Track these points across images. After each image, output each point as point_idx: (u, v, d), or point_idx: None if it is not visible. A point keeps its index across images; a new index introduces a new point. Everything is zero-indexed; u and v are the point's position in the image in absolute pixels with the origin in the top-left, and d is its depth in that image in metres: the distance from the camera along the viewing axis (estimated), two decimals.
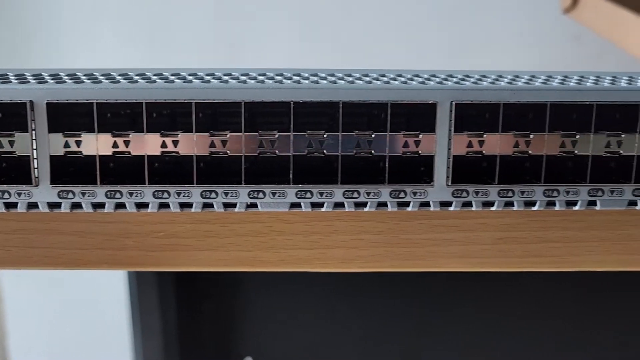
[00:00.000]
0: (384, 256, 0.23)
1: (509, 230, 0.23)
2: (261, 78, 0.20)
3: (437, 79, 0.21)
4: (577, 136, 0.20)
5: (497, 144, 0.20)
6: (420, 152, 0.20)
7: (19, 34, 0.92)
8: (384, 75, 0.21)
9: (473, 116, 0.20)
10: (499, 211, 0.22)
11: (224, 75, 0.21)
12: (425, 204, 0.21)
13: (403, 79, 0.21)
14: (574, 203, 0.21)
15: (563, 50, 0.92)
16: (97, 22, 0.92)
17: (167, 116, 0.20)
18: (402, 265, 0.23)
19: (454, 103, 0.20)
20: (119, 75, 0.20)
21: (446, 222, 0.23)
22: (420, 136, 0.20)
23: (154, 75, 0.20)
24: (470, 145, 0.20)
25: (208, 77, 0.20)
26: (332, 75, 0.21)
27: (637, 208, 0.21)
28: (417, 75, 0.21)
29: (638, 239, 0.23)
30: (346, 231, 0.23)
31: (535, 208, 0.21)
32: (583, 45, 0.89)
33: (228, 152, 0.19)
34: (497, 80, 0.21)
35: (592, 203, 0.21)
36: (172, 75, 0.21)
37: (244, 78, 0.20)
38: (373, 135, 0.20)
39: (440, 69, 0.23)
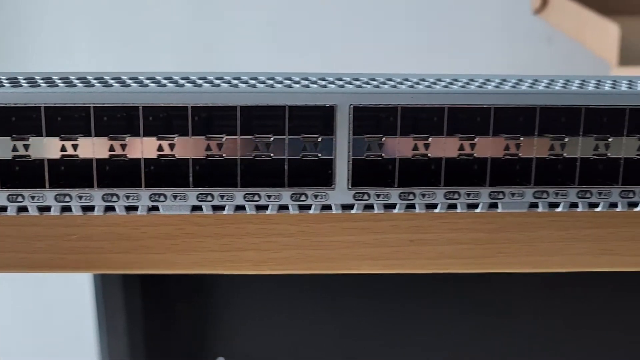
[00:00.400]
0: (297, 258, 0.23)
1: (420, 232, 0.23)
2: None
3: (341, 82, 0.21)
4: (476, 139, 0.20)
5: (396, 146, 0.20)
6: (319, 155, 0.20)
7: None
8: (289, 79, 0.21)
9: (372, 119, 0.20)
10: (409, 213, 0.22)
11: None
12: (327, 207, 0.21)
13: (306, 82, 0.21)
14: (476, 205, 0.21)
15: (536, 51, 0.92)
16: (71, 22, 0.92)
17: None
18: (315, 267, 0.23)
19: (352, 106, 0.20)
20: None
21: (357, 224, 0.23)
22: (320, 139, 0.20)
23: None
24: (369, 148, 0.20)
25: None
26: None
27: (540, 210, 0.21)
28: (323, 79, 0.21)
29: (547, 241, 0.23)
30: (257, 234, 0.23)
31: (437, 210, 0.21)
32: (555, 47, 0.90)
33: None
34: (401, 83, 0.21)
35: (494, 205, 0.21)
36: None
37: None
38: (272, 139, 0.20)
39: (408, 69, 0.23)
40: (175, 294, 0.68)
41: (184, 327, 0.69)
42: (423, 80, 0.21)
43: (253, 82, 0.21)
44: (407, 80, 0.22)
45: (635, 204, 0.21)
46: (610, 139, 0.21)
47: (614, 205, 0.21)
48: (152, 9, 0.92)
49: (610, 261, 0.24)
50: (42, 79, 0.20)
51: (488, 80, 0.22)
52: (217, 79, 0.21)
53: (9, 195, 0.20)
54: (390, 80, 0.21)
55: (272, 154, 0.20)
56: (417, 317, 0.71)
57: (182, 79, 0.21)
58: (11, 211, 0.20)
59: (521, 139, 0.20)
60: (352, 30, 0.94)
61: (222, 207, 0.20)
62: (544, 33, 0.91)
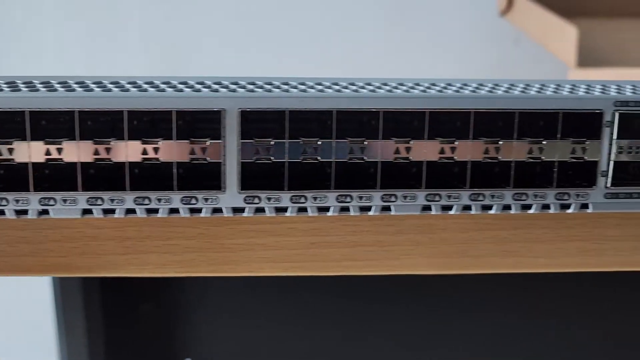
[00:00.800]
0: (199, 261, 0.23)
1: (322, 235, 0.23)
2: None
3: (233, 87, 0.21)
4: (365, 142, 0.20)
5: (284, 150, 0.20)
6: (208, 159, 0.20)
7: None
8: (184, 83, 0.21)
9: (260, 122, 0.20)
10: (309, 216, 0.22)
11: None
12: (219, 210, 0.21)
13: (199, 87, 0.21)
14: (368, 208, 0.21)
15: (505, 53, 0.93)
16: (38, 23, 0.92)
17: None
18: (217, 270, 0.23)
19: (239, 110, 0.20)
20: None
21: (257, 227, 0.23)
22: (208, 143, 0.20)
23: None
24: (257, 152, 0.20)
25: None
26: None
27: (432, 212, 0.21)
28: (219, 83, 0.21)
29: (451, 243, 0.24)
30: (159, 236, 0.23)
31: (329, 213, 0.21)
32: (522, 48, 0.90)
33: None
34: (292, 87, 0.21)
35: (386, 208, 0.21)
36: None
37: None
38: (160, 143, 0.20)
39: (371, 71, 0.23)
40: (137, 295, 0.68)
41: (146, 329, 0.69)
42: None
43: (147, 86, 0.21)
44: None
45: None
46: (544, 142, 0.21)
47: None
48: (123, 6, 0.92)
49: (515, 263, 0.24)
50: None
51: (385, 84, 0.22)
52: (112, 82, 0.21)
53: None
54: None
55: (160, 158, 0.20)
56: (385, 319, 0.71)
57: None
58: None
59: (410, 142, 0.21)
60: (315, 30, 0.94)
61: (113, 211, 0.20)
62: (512, 34, 0.92)
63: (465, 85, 0.22)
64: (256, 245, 0.23)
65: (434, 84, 0.22)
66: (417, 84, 0.22)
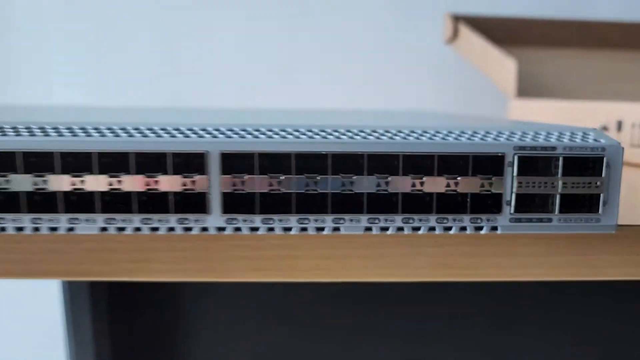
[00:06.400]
0: (192, 269, 0.29)
1: (290, 249, 0.29)
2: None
3: (215, 133, 0.27)
4: (318, 177, 0.26)
5: (255, 184, 0.26)
6: (196, 189, 0.26)
7: None
8: (164, 129, 0.27)
9: (237, 160, 0.26)
10: (278, 234, 0.28)
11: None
12: (206, 229, 0.27)
13: (185, 132, 0.27)
14: (322, 229, 0.27)
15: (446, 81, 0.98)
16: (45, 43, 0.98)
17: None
18: (207, 276, 0.29)
19: (220, 152, 0.26)
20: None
21: (237, 242, 0.29)
22: (196, 177, 0.26)
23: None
24: (234, 184, 0.26)
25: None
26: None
27: (373, 232, 0.27)
28: (204, 129, 0.27)
29: (390, 257, 0.29)
30: (160, 249, 0.29)
31: (292, 232, 0.27)
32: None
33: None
34: (261, 133, 0.27)
35: (337, 229, 0.27)
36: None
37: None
38: (159, 177, 0.26)
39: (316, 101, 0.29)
40: (143, 300, 0.74)
41: (151, 334, 0.75)
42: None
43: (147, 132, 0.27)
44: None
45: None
46: (458, 178, 0.27)
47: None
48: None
49: (448, 274, 0.30)
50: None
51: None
52: (120, 128, 0.27)
53: None
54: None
55: (159, 189, 0.26)
56: (383, 324, 0.77)
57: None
58: None
59: (354, 177, 0.26)
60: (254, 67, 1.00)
61: (124, 229, 0.26)
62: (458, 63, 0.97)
63: (400, 132, 0.27)
64: (237, 256, 0.29)
65: (373, 131, 0.28)
66: (360, 131, 0.28)
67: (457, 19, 0.90)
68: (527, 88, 0.77)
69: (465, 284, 0.76)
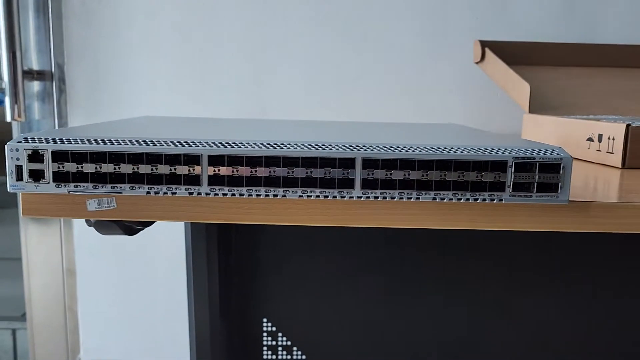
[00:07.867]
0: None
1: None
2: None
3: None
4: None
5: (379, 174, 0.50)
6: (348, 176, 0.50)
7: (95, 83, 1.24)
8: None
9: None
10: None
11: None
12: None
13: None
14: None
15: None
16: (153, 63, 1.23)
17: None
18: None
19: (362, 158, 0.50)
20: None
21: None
22: None
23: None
24: (369, 174, 0.50)
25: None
26: None
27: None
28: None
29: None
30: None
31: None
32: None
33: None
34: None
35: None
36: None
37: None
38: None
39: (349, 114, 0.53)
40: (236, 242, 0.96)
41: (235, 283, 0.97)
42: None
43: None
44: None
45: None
46: (483, 173, 0.51)
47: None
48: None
49: (475, 224, 0.54)
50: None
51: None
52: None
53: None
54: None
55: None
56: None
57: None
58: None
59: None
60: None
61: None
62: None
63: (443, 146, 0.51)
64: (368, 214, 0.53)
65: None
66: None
67: (484, 43, 1.13)
68: (538, 105, 1.00)
69: (482, 233, 0.98)
